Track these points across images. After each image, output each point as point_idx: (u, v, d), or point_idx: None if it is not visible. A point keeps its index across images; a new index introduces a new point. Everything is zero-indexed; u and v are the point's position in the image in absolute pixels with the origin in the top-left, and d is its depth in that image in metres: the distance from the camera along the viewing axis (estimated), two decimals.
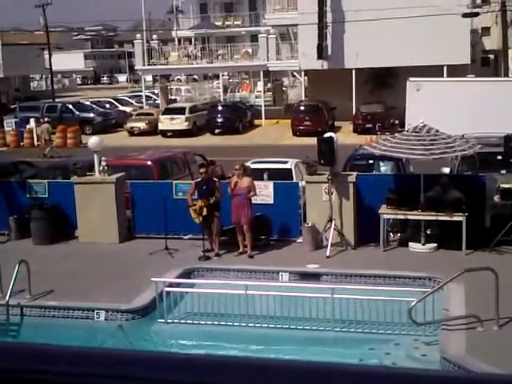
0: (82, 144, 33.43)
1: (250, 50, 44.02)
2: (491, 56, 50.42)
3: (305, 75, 41.26)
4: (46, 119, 35.27)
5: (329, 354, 10.73)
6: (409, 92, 24.29)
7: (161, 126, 38.57)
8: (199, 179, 14.96)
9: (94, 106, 44.81)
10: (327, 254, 14.26)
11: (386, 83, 38.40)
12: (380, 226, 14.44)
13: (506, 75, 35.38)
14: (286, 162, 18.26)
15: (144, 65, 43.58)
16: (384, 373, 1.11)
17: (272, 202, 15.60)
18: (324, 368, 1.11)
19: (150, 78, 53.89)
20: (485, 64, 48.26)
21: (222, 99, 45.40)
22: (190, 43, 55.11)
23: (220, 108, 39.82)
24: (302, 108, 37.31)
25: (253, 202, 14.79)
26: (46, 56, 62.66)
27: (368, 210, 14.92)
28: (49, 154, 32.01)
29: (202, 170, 15.05)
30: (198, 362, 1.15)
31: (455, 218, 14.04)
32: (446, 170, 17.34)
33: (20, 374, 1.15)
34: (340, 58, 37.54)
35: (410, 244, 14.63)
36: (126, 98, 52.55)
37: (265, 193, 15.57)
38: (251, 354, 10.63)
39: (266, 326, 11.61)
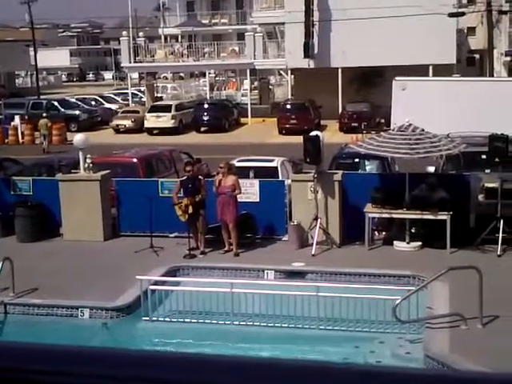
0: (68, 141, 33.27)
1: (236, 49, 44.01)
2: (477, 56, 50.74)
3: (291, 74, 41.30)
4: (44, 114, 35.56)
5: (313, 352, 10.75)
6: (394, 91, 24.33)
7: (147, 124, 38.45)
8: (185, 177, 14.93)
9: (79, 103, 44.60)
10: (312, 252, 14.28)
11: (372, 82, 38.52)
12: (365, 225, 14.49)
13: (492, 75, 35.59)
14: (271, 161, 18.27)
15: (130, 62, 43.43)
16: (375, 372, 1.11)
17: (258, 200, 15.60)
18: (306, 367, 1.10)
19: (136, 75, 53.68)
20: (470, 64, 48.54)
21: (208, 97, 45.33)
22: (177, 41, 55.01)
23: (206, 106, 39.78)
24: (288, 106, 37.35)
25: (239, 200, 14.78)
26: (32, 53, 62.33)
27: (353, 208, 14.96)
28: (46, 149, 32.31)
29: (188, 168, 15.01)
30: (188, 360, 1.15)
31: (440, 217, 14.11)
32: (431, 169, 17.42)
33: (8, 373, 1.14)
34: (326, 56, 37.62)
35: (395, 242, 14.69)
36: (112, 96, 52.36)
37: (251, 191, 15.58)
38: (236, 352, 10.62)
39: (251, 324, 11.61)
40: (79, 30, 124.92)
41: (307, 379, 1.08)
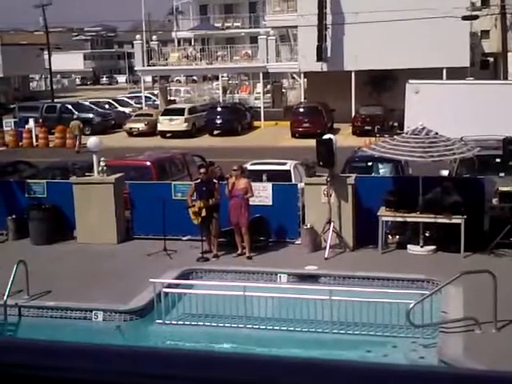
0: (81, 144, 33.45)
1: (249, 52, 44.03)
2: (490, 59, 50.46)
3: (304, 77, 41.26)
4: (75, 116, 37.27)
5: (326, 356, 10.71)
6: (408, 94, 24.28)
7: (160, 127, 38.56)
8: (199, 180, 14.95)
9: (93, 106, 44.74)
10: (326, 255, 14.26)
11: (385, 86, 38.42)
12: (379, 228, 14.45)
13: (506, 78, 35.39)
14: (284, 164, 18.26)
15: (143, 65, 43.58)
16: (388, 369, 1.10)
17: (271, 203, 15.60)
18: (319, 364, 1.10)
19: (149, 78, 53.83)
20: (484, 67, 48.27)
21: (221, 100, 45.38)
22: (190, 44, 55.12)
23: (219, 109, 39.81)
24: (301, 110, 37.30)
25: (252, 203, 14.78)
26: (46, 56, 62.66)
27: (367, 212, 14.92)
28: (79, 149, 33.23)
29: (202, 171, 15.03)
30: (203, 357, 1.15)
31: (454, 221, 14.05)
32: (445, 173, 17.35)
33: (18, 370, 1.15)
34: (339, 60, 37.55)
35: (409, 246, 14.64)
36: (126, 99, 52.51)
37: (263, 194, 15.57)
38: None
39: (264, 327, 11.61)
40: (93, 33, 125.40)
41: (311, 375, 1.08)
